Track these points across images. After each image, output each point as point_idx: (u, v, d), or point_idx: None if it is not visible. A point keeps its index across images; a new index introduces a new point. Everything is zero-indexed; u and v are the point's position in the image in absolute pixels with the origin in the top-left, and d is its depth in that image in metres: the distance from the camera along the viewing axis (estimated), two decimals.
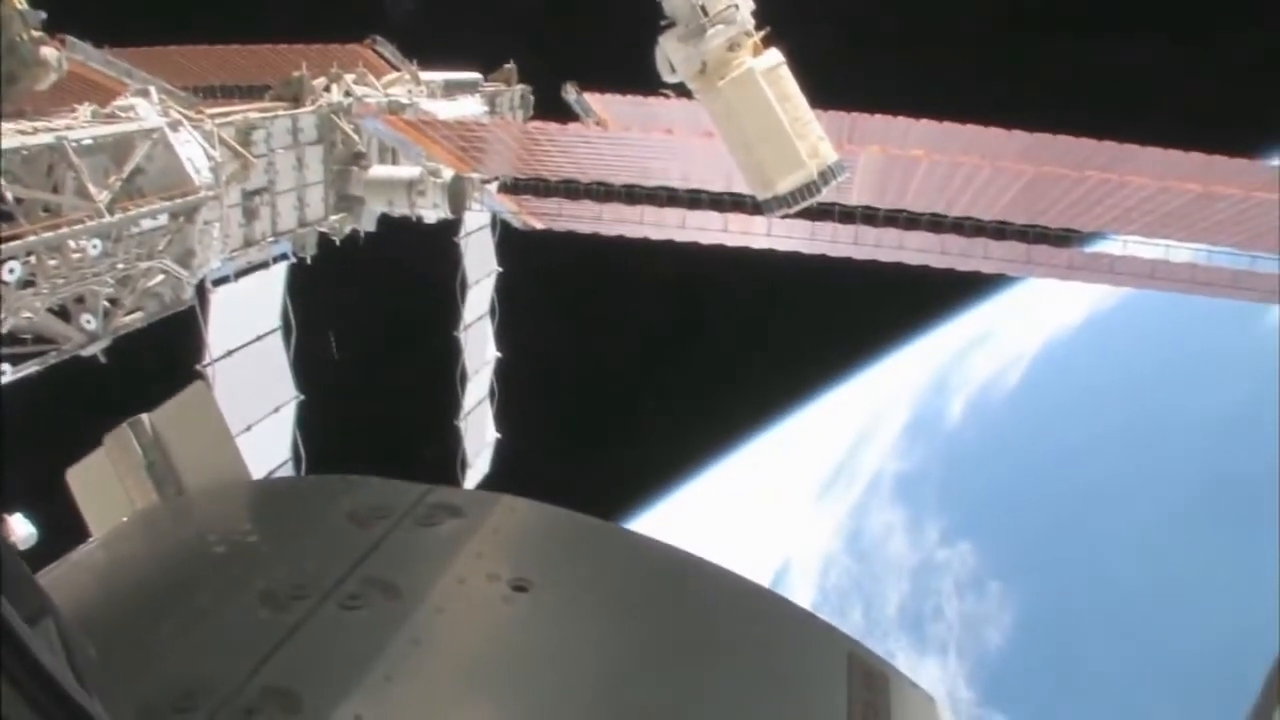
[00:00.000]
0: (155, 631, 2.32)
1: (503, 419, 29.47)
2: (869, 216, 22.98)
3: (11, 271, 13.57)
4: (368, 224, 22.56)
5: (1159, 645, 50.57)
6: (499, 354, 28.91)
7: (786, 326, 48.80)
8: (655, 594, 2.62)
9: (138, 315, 16.55)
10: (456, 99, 25.45)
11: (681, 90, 14.01)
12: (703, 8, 12.98)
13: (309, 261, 21.41)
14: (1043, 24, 44.61)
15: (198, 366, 18.11)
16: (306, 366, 21.35)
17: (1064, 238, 22.86)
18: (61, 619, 1.80)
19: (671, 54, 13.22)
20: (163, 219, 16.24)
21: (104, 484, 3.25)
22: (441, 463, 26.83)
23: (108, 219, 14.82)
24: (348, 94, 22.17)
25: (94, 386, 16.32)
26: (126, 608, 2.47)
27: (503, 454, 29.51)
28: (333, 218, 21.68)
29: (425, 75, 25.13)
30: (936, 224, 22.93)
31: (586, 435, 45.55)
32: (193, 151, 16.85)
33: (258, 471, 19.65)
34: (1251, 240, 21.74)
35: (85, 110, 16.12)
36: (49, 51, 15.30)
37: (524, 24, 36.21)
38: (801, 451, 66.79)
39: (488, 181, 24.29)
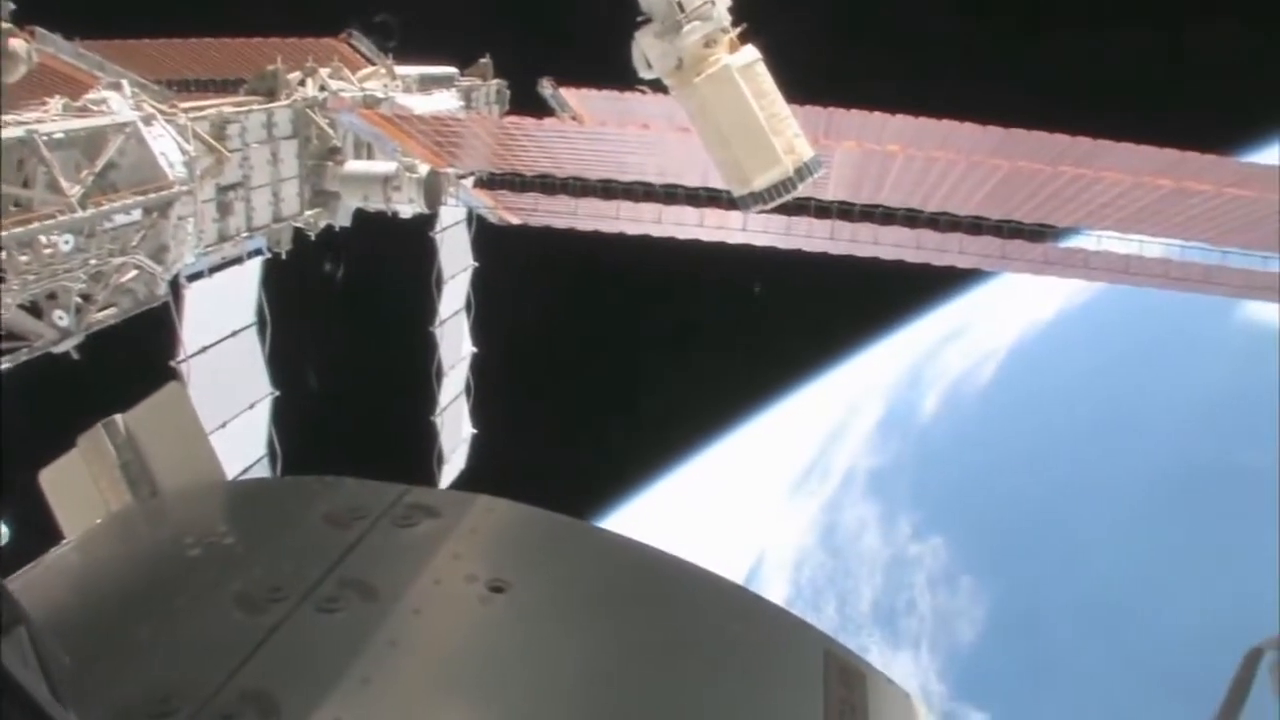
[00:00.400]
0: (131, 635, 2.31)
1: (479, 414, 29.48)
2: (845, 211, 23.07)
3: None
4: (343, 219, 22.48)
5: (1131, 638, 50.98)
6: (475, 349, 28.87)
7: (762, 322, 48.99)
8: (632, 594, 2.62)
9: (111, 311, 16.45)
10: (432, 93, 25.40)
11: (657, 86, 14.01)
12: (679, 4, 12.99)
13: (284, 257, 21.34)
14: (1018, 20, 44.78)
15: (172, 363, 18.03)
16: (281, 362, 21.29)
17: (1038, 233, 23.01)
18: (34, 627, 1.79)
19: (648, 50, 13.23)
20: (136, 214, 16.13)
21: (78, 485, 3.23)
22: (418, 458, 26.85)
23: (80, 214, 14.73)
24: (323, 88, 22.09)
25: (67, 384, 16.24)
26: (101, 611, 2.46)
27: (479, 449, 29.53)
28: (308, 213, 21.59)
29: (401, 70, 25.06)
30: (912, 219, 23.03)
31: (562, 431, 45.63)
32: (166, 146, 16.75)
33: (233, 468, 19.64)
34: (1223, 236, 21.91)
35: (56, 104, 16.01)
36: (18, 44, 15.22)
37: (500, 18, 36.17)
38: (776, 446, 67.07)
39: (463, 176, 24.27)
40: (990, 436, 65.23)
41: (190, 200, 17.25)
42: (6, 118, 14.77)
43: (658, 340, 48.49)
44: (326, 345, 25.92)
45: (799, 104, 18.94)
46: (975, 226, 22.84)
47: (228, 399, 19.62)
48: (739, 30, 13.40)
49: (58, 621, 2.31)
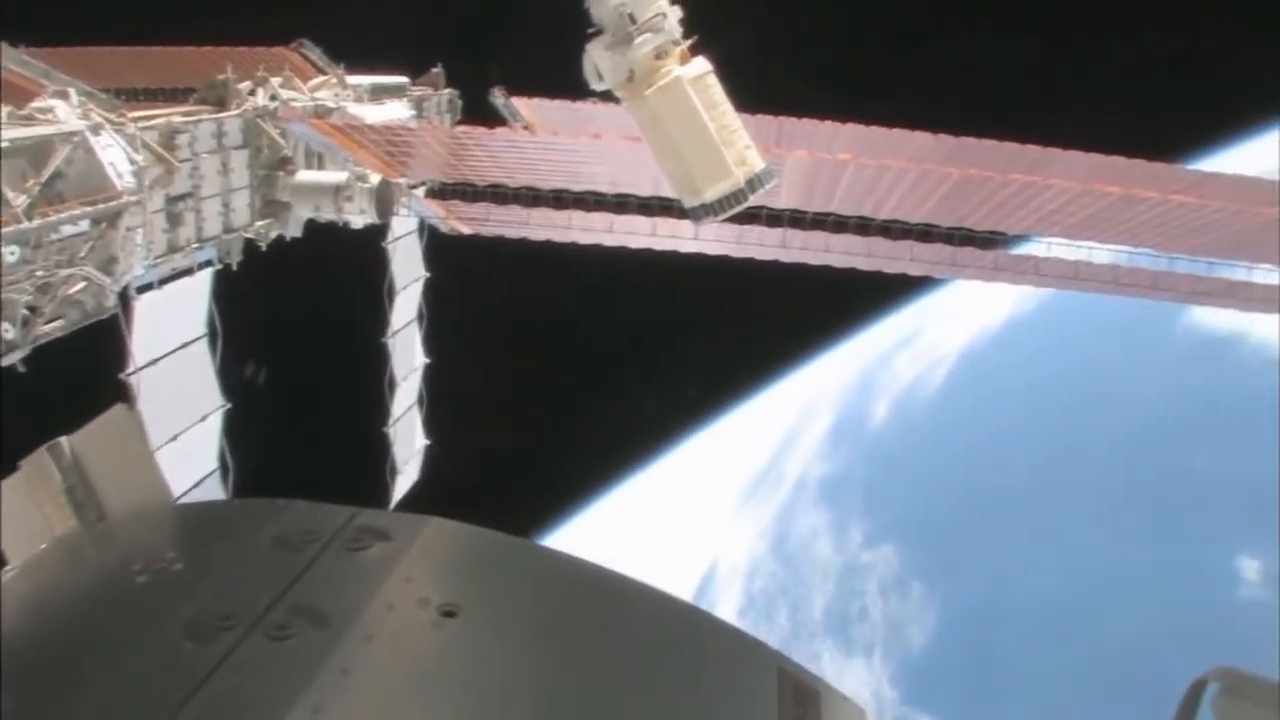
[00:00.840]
0: (78, 666, 2.29)
1: (432, 425, 29.37)
2: (796, 220, 23.16)
3: None
4: (294, 229, 22.36)
5: (1081, 642, 51.40)
6: (427, 360, 28.77)
7: (714, 330, 49.08)
8: (584, 616, 2.62)
9: (58, 324, 16.26)
10: (384, 103, 25.30)
11: (609, 97, 14.02)
12: (630, 16, 13.00)
13: (234, 268, 21.18)
14: (968, 29, 45.14)
15: (122, 375, 17.85)
16: (232, 374, 21.14)
17: (989, 240, 23.19)
18: None
19: (599, 62, 13.22)
20: (84, 225, 15.98)
21: (21, 509, 3.19)
22: (372, 470, 26.73)
23: (26, 225, 14.56)
24: (273, 98, 21.97)
25: (12, 398, 16.02)
26: (46, 641, 2.43)
27: (432, 460, 29.42)
28: (259, 223, 21.46)
29: (352, 79, 24.97)
30: (863, 227, 23.16)
31: (516, 441, 45.56)
32: (115, 155, 16.59)
33: (185, 481, 19.48)
34: (1170, 242, 22.19)
35: (1, 112, 15.83)
36: None
37: (452, 28, 36.11)
38: (728, 455, 67.32)
39: (415, 186, 24.20)
40: (940, 443, 65.80)
41: (139, 211, 17.10)
42: None
43: (609, 350, 48.52)
44: (278, 357, 25.72)
45: (750, 113, 19.05)
46: (926, 234, 23.03)
47: (179, 412, 19.44)
48: (690, 42, 13.43)
49: None
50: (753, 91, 17.12)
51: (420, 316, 28.09)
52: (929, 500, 63.02)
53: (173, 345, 19.39)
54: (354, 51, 25.52)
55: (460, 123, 27.24)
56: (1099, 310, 52.80)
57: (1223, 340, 56.75)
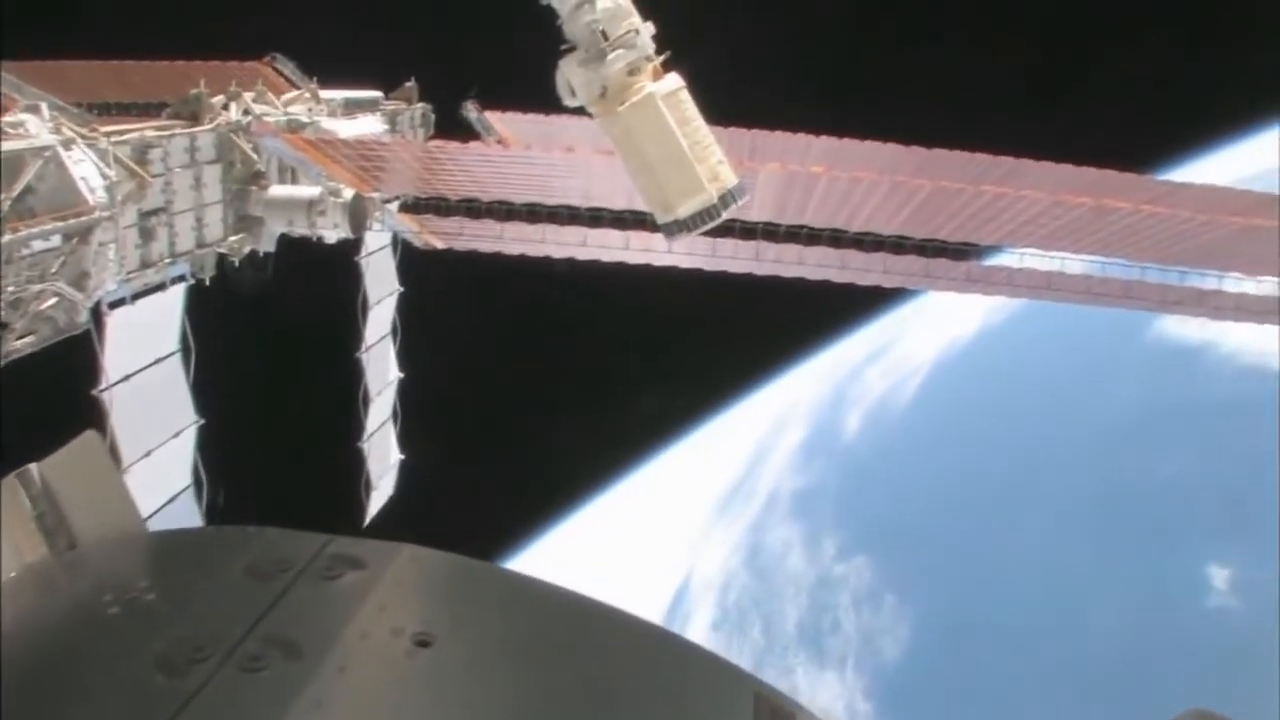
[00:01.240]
0: (47, 699, 2.28)
1: (406, 440, 29.31)
2: (770, 233, 23.19)
3: None
4: (267, 244, 22.28)
5: (1053, 653, 51.55)
6: (401, 374, 28.71)
7: (688, 343, 49.10)
8: (559, 644, 2.61)
9: (30, 339, 16.17)
10: (357, 117, 25.25)
11: (582, 112, 14.03)
12: (603, 32, 13.03)
13: (207, 283, 21.12)
14: (938, 41, 45.34)
15: (94, 391, 17.77)
16: (206, 390, 21.06)
17: (962, 251, 23.26)
18: None
19: (572, 78, 13.25)
20: (55, 240, 15.91)
21: None
22: (346, 485, 26.63)
23: None
24: (246, 112, 21.92)
25: None
26: (14, 673, 2.42)
27: (407, 475, 29.33)
28: (232, 238, 21.39)
29: (325, 93, 24.92)
30: (837, 239, 23.19)
31: (491, 455, 45.48)
32: (87, 170, 16.53)
33: (158, 498, 19.37)
34: (1142, 252, 22.33)
35: None
36: None
37: (424, 42, 36.08)
38: (701, 469, 67.39)
39: (389, 201, 24.15)
40: (912, 455, 66.00)
41: (111, 226, 17.04)
42: None
43: (583, 363, 48.47)
44: (252, 372, 25.61)
45: (723, 127, 19.10)
46: (899, 246, 23.07)
47: (152, 427, 19.36)
48: (663, 58, 13.46)
49: None
50: (725, 105, 17.18)
51: (394, 331, 28.03)
52: (901, 512, 63.19)
53: (146, 361, 19.31)
54: (327, 66, 25.50)
55: (433, 137, 27.20)
56: (1069, 321, 53.26)
57: (1192, 350, 57.15)
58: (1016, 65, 44.70)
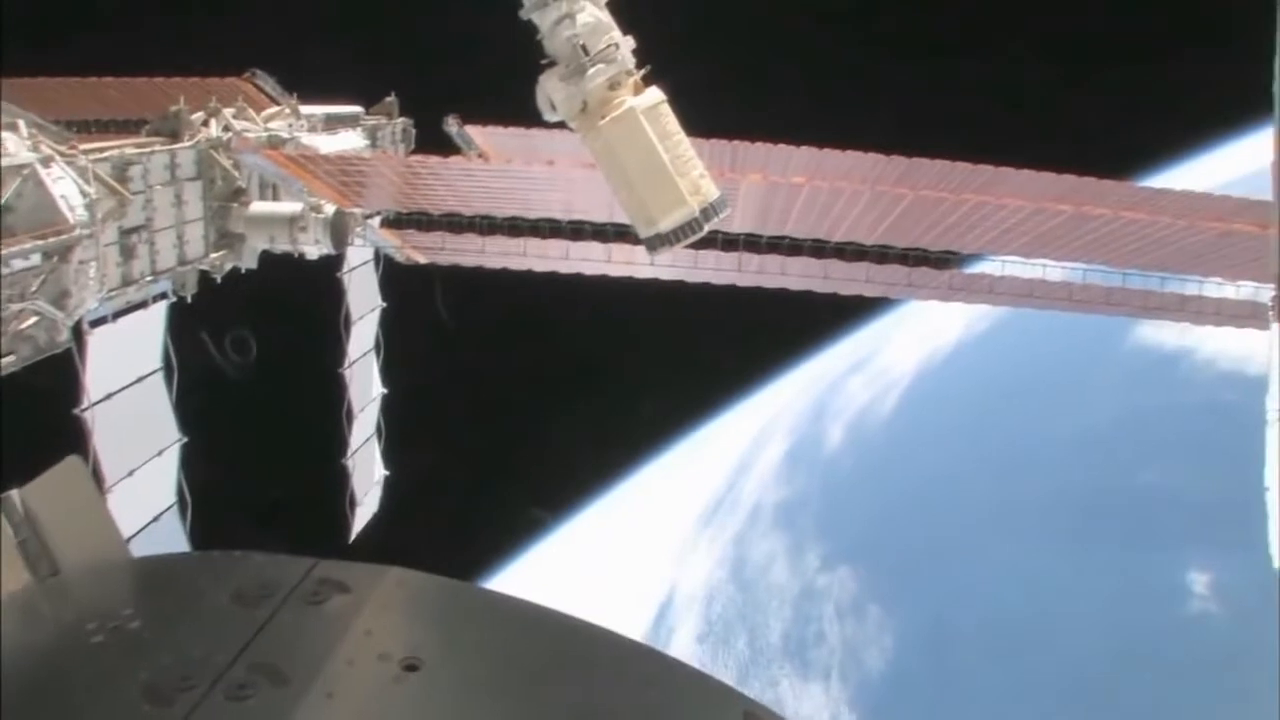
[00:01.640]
0: None
1: (390, 456, 29.22)
2: (752, 244, 23.25)
3: None
4: (249, 261, 22.21)
5: (1037, 662, 51.67)
6: (385, 390, 28.63)
7: (670, 356, 49.13)
8: (548, 666, 2.59)
9: (10, 359, 16.07)
10: (338, 133, 25.21)
11: (563, 126, 14.06)
12: (583, 47, 13.06)
13: (189, 300, 21.05)
14: (919, 50, 45.50)
15: (76, 411, 17.69)
16: (189, 408, 20.97)
17: (944, 260, 23.35)
18: None
19: (552, 93, 13.28)
20: (35, 259, 15.82)
21: None
22: (330, 502, 26.55)
23: None
24: (227, 129, 21.86)
25: None
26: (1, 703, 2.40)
27: (391, 491, 29.24)
28: (213, 255, 21.32)
29: (305, 109, 24.87)
30: (819, 249, 23.26)
31: (475, 470, 45.44)
32: (66, 188, 16.44)
33: (142, 517, 19.28)
34: (1123, 258, 22.44)
35: None
36: None
37: (405, 56, 36.08)
38: (685, 481, 67.44)
39: (370, 216, 24.13)
40: (895, 466, 66.18)
41: (92, 244, 16.95)
42: None
43: (566, 377, 48.48)
44: (235, 389, 25.53)
45: (704, 138, 19.14)
46: (881, 255, 23.13)
47: (135, 446, 19.28)
48: (643, 72, 13.50)
49: None
50: (706, 117, 17.21)
51: (377, 347, 27.98)
52: (884, 522, 63.34)
53: (128, 379, 19.23)
54: (307, 81, 25.47)
55: (414, 151, 27.18)
56: (1048, 329, 53.52)
57: (1170, 357, 57.43)
58: (998, 74, 44.87)
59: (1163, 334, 54.91)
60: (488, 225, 23.36)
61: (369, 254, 26.38)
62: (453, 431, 42.74)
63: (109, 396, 18.52)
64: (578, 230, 23.37)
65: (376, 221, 24.53)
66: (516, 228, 23.38)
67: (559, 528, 57.56)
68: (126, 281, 18.83)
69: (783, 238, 23.09)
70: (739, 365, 56.46)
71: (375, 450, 28.62)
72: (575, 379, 48.81)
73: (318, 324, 26.14)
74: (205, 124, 21.54)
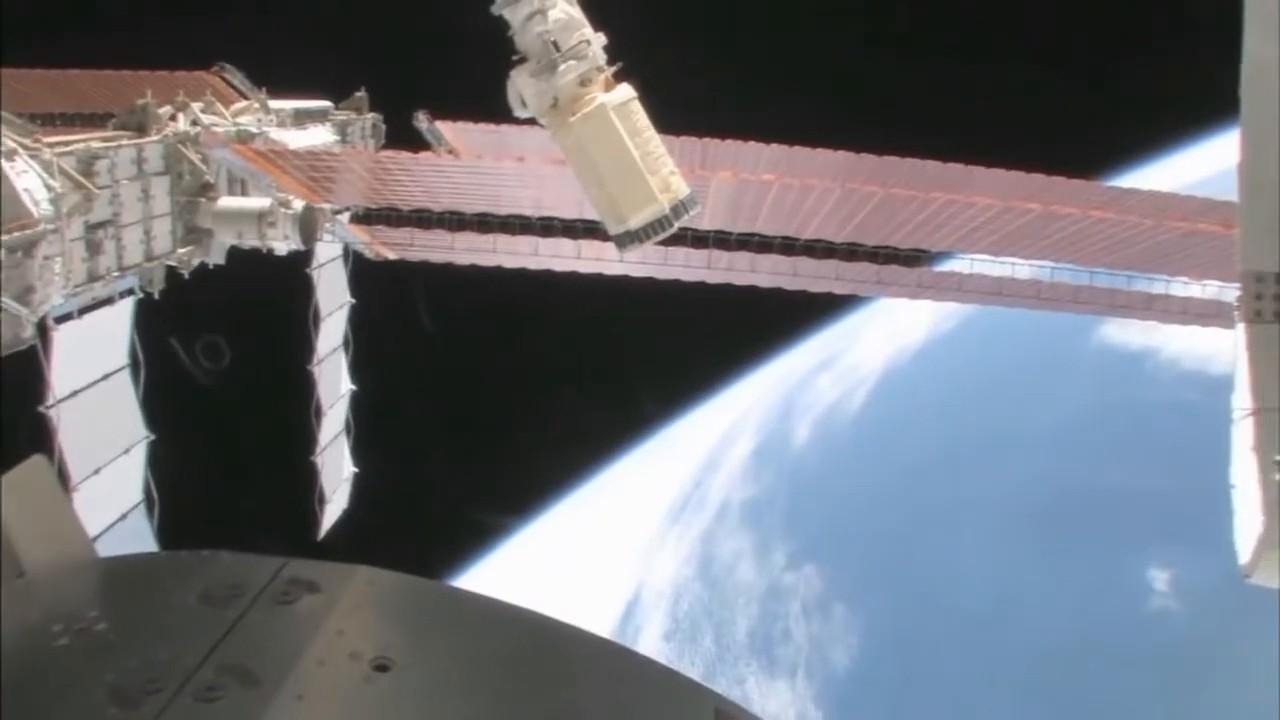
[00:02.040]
0: None
1: (359, 453, 29.10)
2: (721, 240, 23.27)
3: None
4: (217, 256, 22.09)
5: (1003, 659, 52.01)
6: (353, 387, 28.51)
7: (640, 354, 49.15)
8: (519, 665, 2.58)
9: None
10: (307, 128, 25.10)
11: (533, 122, 14.05)
12: (554, 44, 13.06)
13: (156, 296, 20.90)
14: (888, 49, 45.65)
15: (41, 408, 17.53)
16: (156, 405, 20.82)
17: (914, 257, 23.44)
18: None
19: (523, 89, 13.28)
20: None
21: None
22: (299, 499, 26.43)
23: None
24: (195, 123, 21.74)
25: None
26: None
27: (361, 488, 29.13)
28: (180, 251, 21.19)
29: (275, 103, 24.73)
30: (788, 247, 23.30)
31: (444, 467, 45.36)
32: (30, 182, 16.32)
33: (109, 515, 19.13)
34: (1090, 257, 22.59)
35: None
36: None
37: (375, 52, 35.95)
38: (653, 479, 67.52)
39: (339, 212, 24.03)
40: (861, 464, 66.41)
41: (57, 239, 16.83)
42: None
43: (535, 373, 48.45)
44: (203, 386, 25.37)
45: (674, 135, 19.15)
46: (851, 253, 23.20)
47: (101, 444, 19.11)
48: (614, 69, 13.51)
49: None
50: (676, 114, 17.22)
51: (346, 343, 27.86)
52: (850, 521, 63.57)
53: (94, 376, 19.06)
54: (276, 75, 25.32)
55: (384, 147, 27.08)
56: (1016, 327, 53.87)
57: (1135, 356, 57.87)
58: (968, 73, 45.06)
59: (1128, 333, 55.35)
60: (457, 221, 23.30)
61: (338, 250, 26.26)
62: (422, 428, 42.69)
63: (74, 394, 18.35)
64: (547, 226, 23.37)
65: (346, 217, 24.44)
66: (486, 224, 23.33)
67: (528, 525, 57.59)
68: (92, 277, 18.68)
69: (752, 235, 23.14)
70: (707, 363, 56.54)
71: (344, 447, 28.50)
72: (544, 376, 48.80)
73: (286, 320, 26.01)
74: (173, 118, 21.42)
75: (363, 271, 27.05)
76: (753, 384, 68.06)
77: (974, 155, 22.09)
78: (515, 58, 13.41)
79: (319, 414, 26.29)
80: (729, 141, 23.12)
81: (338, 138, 26.04)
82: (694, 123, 22.16)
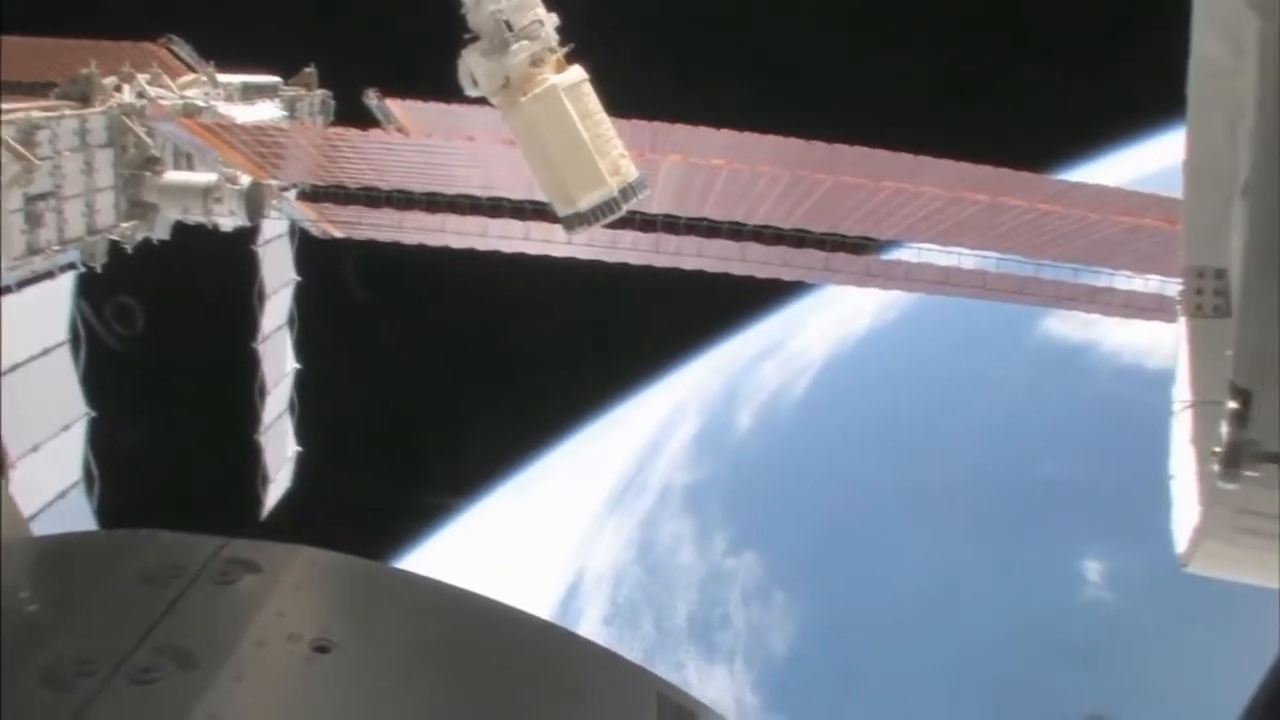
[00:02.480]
0: None
1: (303, 432, 28.88)
2: (670, 224, 23.30)
3: None
4: (161, 232, 21.83)
5: (940, 647, 52.56)
6: (298, 365, 28.29)
7: (584, 337, 49.12)
8: (460, 646, 2.58)
9: None
10: (255, 103, 24.82)
11: (484, 102, 14.01)
12: (507, 23, 13.04)
13: (98, 271, 20.64)
14: (839, 38, 45.78)
15: None
16: (97, 381, 20.57)
17: (861, 245, 23.57)
18: None
19: (474, 68, 13.25)
20: None
21: None
22: (242, 478, 26.23)
23: None
24: (140, 95, 21.45)
25: None
26: None
27: (304, 468, 28.92)
28: (124, 225, 20.92)
29: (223, 77, 24.46)
30: (737, 232, 23.37)
31: (388, 447, 45.18)
32: None
33: (48, 493, 18.92)
34: (1037, 249, 22.81)
35: None
36: None
37: (325, 27, 35.62)
38: (594, 463, 67.49)
39: (286, 188, 23.83)
40: (803, 451, 66.62)
41: None
42: None
43: (480, 355, 48.28)
44: (145, 362, 25.08)
45: (625, 118, 19.12)
46: (799, 239, 23.28)
47: (40, 420, 18.89)
48: (566, 50, 13.50)
49: None
50: (627, 97, 17.20)
51: (291, 321, 27.63)
52: (791, 508, 63.81)
53: (33, 351, 18.83)
54: (224, 49, 25.03)
55: (333, 124, 26.86)
56: (957, 319, 54.33)
57: (1074, 349, 58.48)
58: (918, 64, 45.31)
59: (1069, 326, 55.91)
60: (405, 200, 23.19)
61: (284, 227, 26.01)
62: (367, 409, 42.47)
63: (14, 368, 18.13)
64: (496, 207, 23.29)
65: (293, 194, 24.22)
66: (434, 203, 23.22)
67: (471, 507, 57.44)
68: (32, 250, 18.40)
69: (701, 219, 23.17)
70: (652, 347, 56.51)
71: (288, 426, 28.29)
72: (490, 358, 48.67)
73: (231, 297, 25.76)
74: (118, 89, 21.12)
75: (309, 249, 26.86)
76: (697, 369, 68.13)
77: (924, 146, 22.25)
78: (467, 36, 13.38)
79: (263, 392, 26.06)
80: (679, 126, 23.14)
81: (286, 113, 25.77)
82: (645, 107, 22.16)
